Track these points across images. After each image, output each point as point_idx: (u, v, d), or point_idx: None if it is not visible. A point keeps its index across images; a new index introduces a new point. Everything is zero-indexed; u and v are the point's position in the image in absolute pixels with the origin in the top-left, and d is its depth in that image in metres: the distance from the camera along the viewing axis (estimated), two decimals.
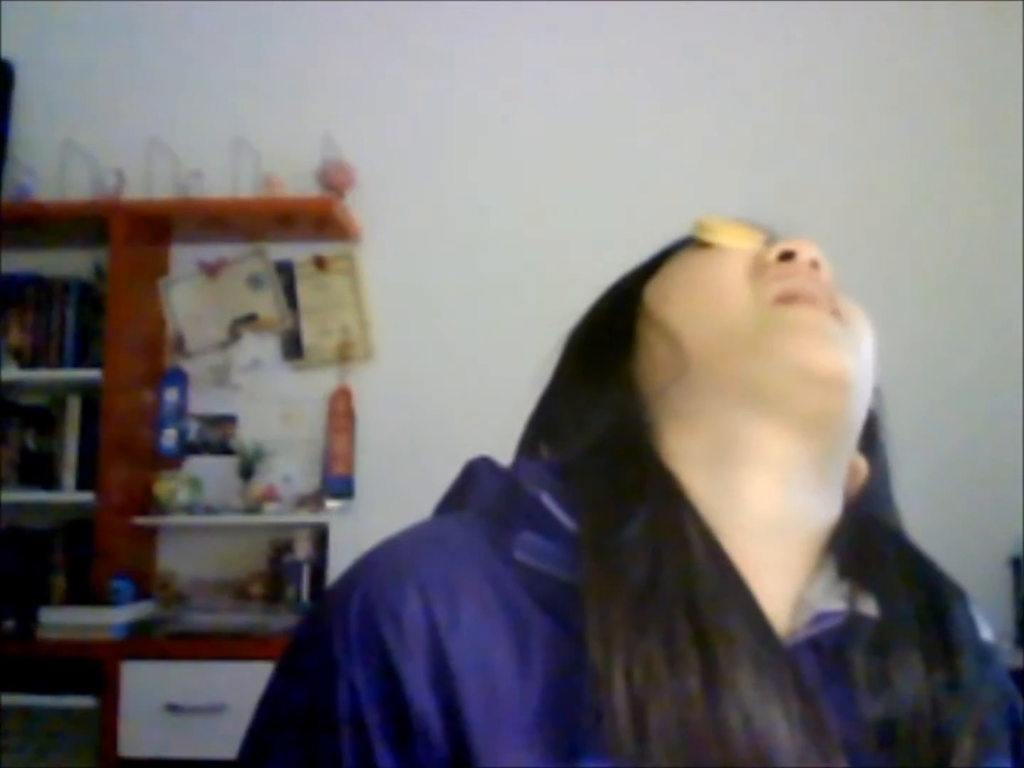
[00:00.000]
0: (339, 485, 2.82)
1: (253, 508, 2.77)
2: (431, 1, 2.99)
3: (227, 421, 2.91)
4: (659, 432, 0.58)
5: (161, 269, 2.96)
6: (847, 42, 2.93)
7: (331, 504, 2.79)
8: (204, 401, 2.91)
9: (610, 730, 0.45)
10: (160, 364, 2.92)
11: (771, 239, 0.63)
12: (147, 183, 2.88)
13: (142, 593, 2.66)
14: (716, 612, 0.48)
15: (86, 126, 2.95)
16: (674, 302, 0.61)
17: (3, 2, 2.94)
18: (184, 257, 2.96)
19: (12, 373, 2.75)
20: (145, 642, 2.48)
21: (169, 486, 2.77)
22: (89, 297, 2.83)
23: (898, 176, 2.85)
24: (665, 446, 0.57)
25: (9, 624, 2.51)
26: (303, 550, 2.73)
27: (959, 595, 0.56)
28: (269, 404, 2.89)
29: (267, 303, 2.92)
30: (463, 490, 0.58)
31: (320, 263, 2.93)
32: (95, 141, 2.90)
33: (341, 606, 0.50)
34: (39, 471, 2.77)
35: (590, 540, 0.51)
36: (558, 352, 0.67)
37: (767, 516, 0.55)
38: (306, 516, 2.77)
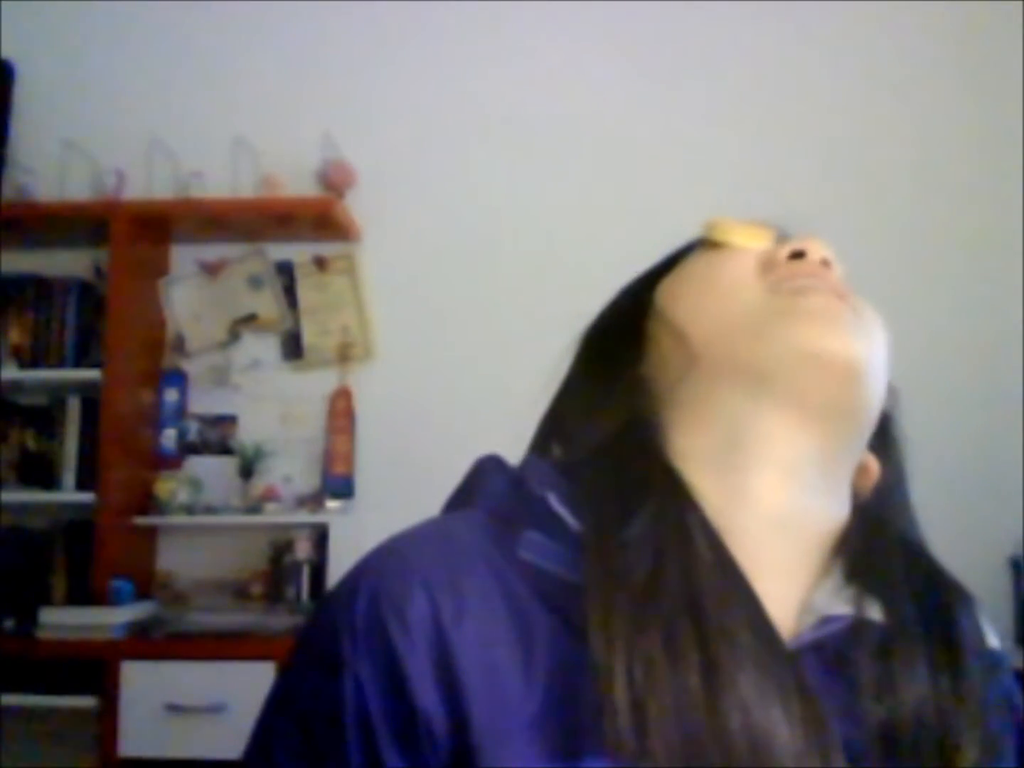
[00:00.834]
0: (339, 485, 2.82)
1: (253, 508, 2.77)
2: (431, 1, 2.99)
3: (227, 421, 2.91)
4: (668, 432, 0.58)
5: (161, 269, 2.95)
6: (848, 41, 2.93)
7: (331, 504, 2.79)
8: (204, 401, 2.91)
9: (610, 727, 0.45)
10: (160, 364, 2.92)
11: (782, 238, 0.62)
12: (147, 183, 2.88)
13: (142, 593, 2.66)
14: (718, 611, 0.48)
15: (86, 126, 2.95)
16: (682, 299, 0.61)
17: (3, 2, 2.94)
18: (184, 257, 2.96)
19: (12, 373, 2.75)
20: (145, 642, 2.48)
21: (169, 486, 2.76)
22: (89, 297, 2.83)
23: (897, 175, 2.85)
24: (673, 446, 0.57)
25: (9, 624, 2.51)
26: (303, 550, 2.73)
27: (967, 602, 0.56)
28: (269, 404, 2.89)
29: (267, 303, 2.92)
30: (471, 488, 0.58)
31: (320, 263, 2.92)
32: (95, 141, 2.90)
33: (348, 602, 0.50)
34: (39, 471, 2.77)
35: (593, 537, 0.51)
36: (571, 351, 0.67)
37: (773, 516, 0.55)
38: (306, 516, 2.77)
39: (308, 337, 2.92)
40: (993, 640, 0.57)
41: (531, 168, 2.93)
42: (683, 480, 0.55)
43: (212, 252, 2.93)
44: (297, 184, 2.86)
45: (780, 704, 0.46)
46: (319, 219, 2.81)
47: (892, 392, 0.62)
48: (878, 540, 0.57)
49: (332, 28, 3.02)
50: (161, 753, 2.34)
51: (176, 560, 2.84)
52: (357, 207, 2.91)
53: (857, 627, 0.52)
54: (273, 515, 2.76)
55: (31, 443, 2.80)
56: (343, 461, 2.85)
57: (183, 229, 2.92)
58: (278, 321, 2.92)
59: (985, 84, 2.88)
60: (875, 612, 0.53)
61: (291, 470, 2.86)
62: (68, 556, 2.73)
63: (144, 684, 2.37)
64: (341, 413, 2.87)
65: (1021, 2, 2.83)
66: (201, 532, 2.84)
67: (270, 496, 2.79)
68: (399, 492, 2.64)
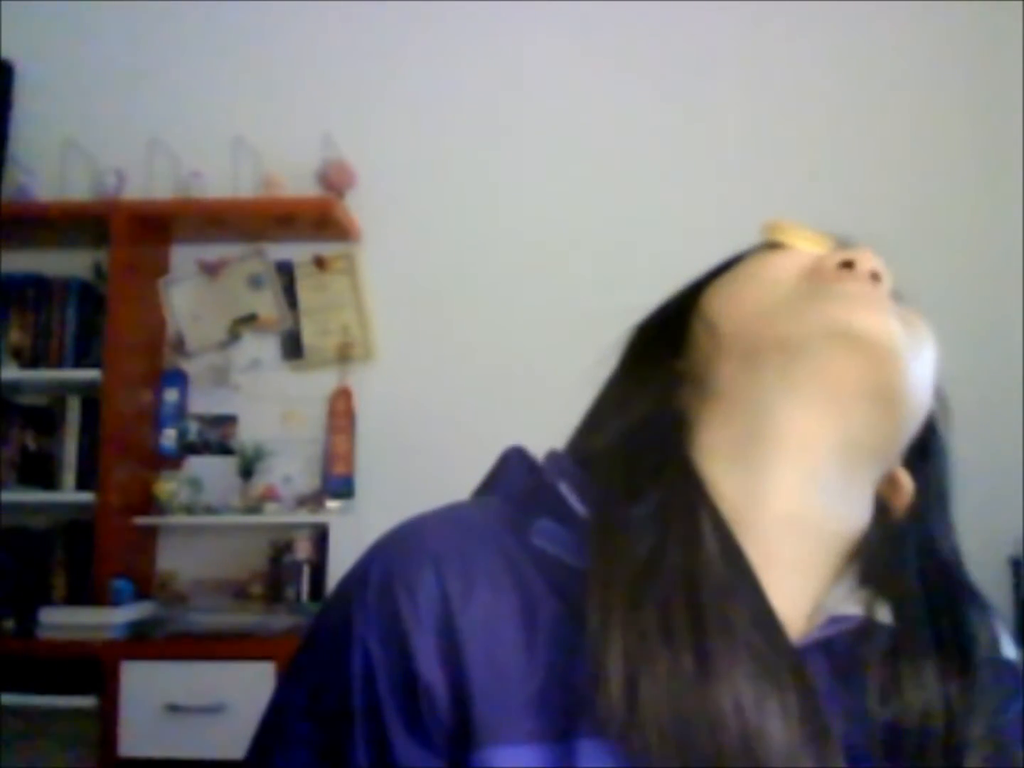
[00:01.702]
0: (339, 485, 2.82)
1: (253, 508, 2.77)
2: (431, 1, 2.99)
3: (227, 421, 2.91)
4: (694, 427, 0.58)
5: (161, 269, 2.95)
6: (847, 42, 2.93)
7: (331, 504, 2.78)
8: (204, 401, 2.91)
9: (602, 701, 0.46)
10: (160, 364, 2.92)
11: (840, 247, 0.61)
12: (147, 183, 2.87)
13: (142, 593, 2.66)
14: (717, 599, 0.49)
15: (86, 126, 2.95)
16: (720, 291, 0.61)
17: (3, 2, 2.94)
18: (184, 257, 2.96)
19: (12, 373, 2.74)
20: (145, 642, 2.48)
21: (169, 486, 2.77)
22: (89, 297, 2.83)
23: (897, 179, 2.85)
24: (697, 440, 0.57)
25: (9, 624, 2.51)
26: (303, 550, 2.73)
27: (984, 612, 0.56)
28: (269, 404, 2.89)
29: (267, 303, 2.92)
30: (494, 477, 0.61)
31: (320, 263, 2.92)
32: (95, 141, 2.90)
33: (363, 576, 0.52)
34: (39, 471, 2.77)
35: (597, 515, 0.53)
36: (617, 348, 0.67)
37: (789, 513, 0.55)
38: (306, 516, 2.76)
39: (308, 337, 2.92)
40: (1010, 651, 0.57)
41: (531, 168, 2.93)
42: (697, 471, 0.55)
43: (212, 252, 2.93)
44: (297, 184, 2.86)
45: (776, 698, 0.46)
46: (319, 219, 2.81)
47: (943, 407, 0.61)
48: (896, 547, 0.56)
49: (332, 28, 3.02)
50: (161, 753, 2.34)
51: (176, 560, 2.84)
52: (357, 207, 2.91)
53: (866, 628, 0.52)
54: (273, 515, 2.76)
55: (31, 443, 2.80)
56: (343, 461, 2.85)
57: (183, 229, 2.92)
58: (278, 321, 2.92)
59: (986, 84, 2.88)
60: (886, 615, 0.53)
61: (291, 470, 2.86)
62: (68, 556, 2.72)
63: (144, 684, 2.37)
64: (341, 413, 2.87)
65: (1021, 2, 2.82)
66: (201, 532, 2.84)
67: (270, 496, 2.79)
68: (399, 492, 2.64)
